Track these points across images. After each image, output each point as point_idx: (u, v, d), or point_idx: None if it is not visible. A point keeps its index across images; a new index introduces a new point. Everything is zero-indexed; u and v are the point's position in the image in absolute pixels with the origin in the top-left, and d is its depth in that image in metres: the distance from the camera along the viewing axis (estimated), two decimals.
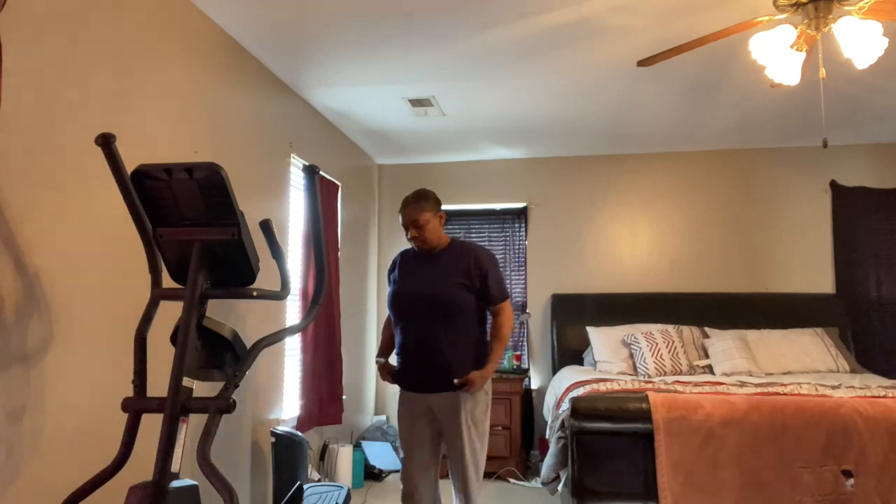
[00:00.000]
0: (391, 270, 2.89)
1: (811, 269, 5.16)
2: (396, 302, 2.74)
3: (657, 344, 4.49)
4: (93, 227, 2.28)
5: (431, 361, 2.64)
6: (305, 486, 2.93)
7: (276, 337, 1.95)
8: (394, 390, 5.60)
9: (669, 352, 4.46)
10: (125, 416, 2.36)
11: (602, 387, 3.44)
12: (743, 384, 3.55)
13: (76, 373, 2.18)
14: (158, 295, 1.89)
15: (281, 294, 2.06)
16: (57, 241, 2.11)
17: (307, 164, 2.11)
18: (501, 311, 2.74)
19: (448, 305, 2.64)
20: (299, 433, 3.49)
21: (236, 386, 1.81)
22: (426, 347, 2.65)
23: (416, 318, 2.68)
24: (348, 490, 2.87)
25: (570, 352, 5.10)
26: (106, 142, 1.75)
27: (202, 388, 2.86)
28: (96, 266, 2.29)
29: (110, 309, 2.35)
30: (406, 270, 2.80)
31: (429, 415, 2.70)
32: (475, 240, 5.61)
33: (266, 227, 2.01)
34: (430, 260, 2.77)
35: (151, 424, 2.55)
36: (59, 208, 2.13)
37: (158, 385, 2.56)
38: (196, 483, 1.85)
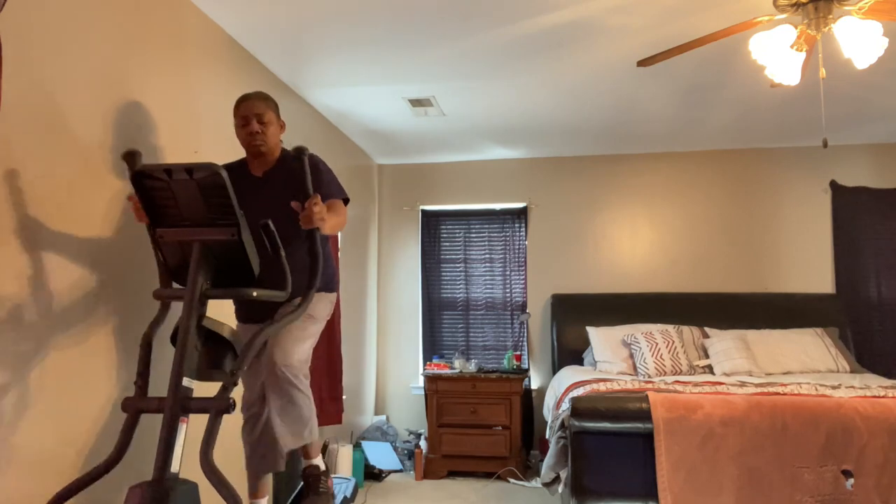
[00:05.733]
0: None
1: (811, 269, 5.16)
2: None
3: (657, 344, 4.49)
4: (92, 227, 2.28)
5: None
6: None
7: (274, 328, 1.95)
8: (394, 390, 5.60)
9: (669, 352, 4.46)
10: (124, 416, 2.36)
11: (602, 387, 3.44)
12: (743, 384, 3.55)
13: (76, 373, 2.18)
14: (158, 295, 1.89)
15: (281, 295, 2.06)
16: (56, 241, 2.11)
17: (295, 147, 2.15)
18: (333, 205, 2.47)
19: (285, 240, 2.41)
20: None
21: (235, 384, 1.81)
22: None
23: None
24: (356, 483, 2.88)
25: (570, 352, 5.10)
26: (131, 158, 1.79)
27: (202, 389, 2.86)
28: (96, 266, 2.29)
29: (112, 308, 2.35)
30: (239, 194, 2.44)
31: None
32: (475, 240, 5.61)
33: (266, 228, 2.01)
34: (262, 186, 2.53)
35: (152, 424, 2.55)
36: (60, 208, 2.13)
37: (158, 386, 2.56)
38: (196, 483, 1.85)
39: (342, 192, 2.61)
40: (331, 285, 2.75)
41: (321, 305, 2.65)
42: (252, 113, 2.53)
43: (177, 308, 2.70)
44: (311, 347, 2.60)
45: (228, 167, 2.66)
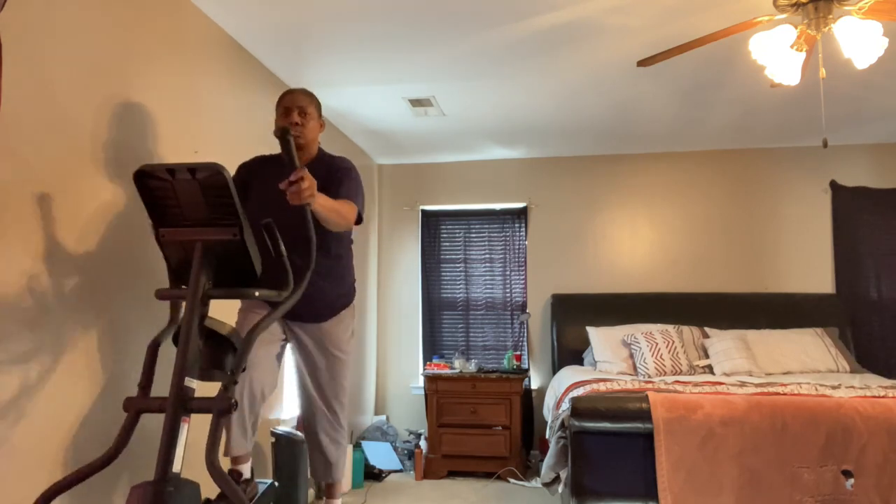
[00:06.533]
0: (243, 173, 2.68)
1: (811, 269, 5.17)
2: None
3: (657, 344, 4.50)
4: (92, 227, 2.28)
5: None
6: None
7: (271, 318, 1.93)
8: (394, 390, 5.60)
9: (669, 352, 4.46)
10: (121, 415, 2.37)
11: (602, 387, 3.45)
12: (743, 384, 3.55)
13: (76, 373, 2.18)
14: (161, 295, 1.89)
15: (283, 294, 2.06)
16: (56, 241, 2.11)
17: (277, 126, 2.12)
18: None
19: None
20: (299, 433, 3.49)
21: (235, 382, 1.80)
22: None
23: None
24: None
25: (570, 352, 5.10)
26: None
27: (203, 388, 2.86)
28: (97, 265, 2.29)
29: (112, 307, 2.35)
30: (268, 186, 2.56)
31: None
32: (475, 240, 5.61)
33: (268, 228, 2.01)
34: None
35: (153, 424, 2.55)
36: (60, 208, 2.13)
37: (159, 385, 2.56)
38: (198, 483, 1.86)
39: (357, 203, 2.56)
40: (350, 294, 2.81)
41: (346, 324, 2.77)
42: (294, 105, 2.55)
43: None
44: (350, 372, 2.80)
45: (264, 159, 2.69)
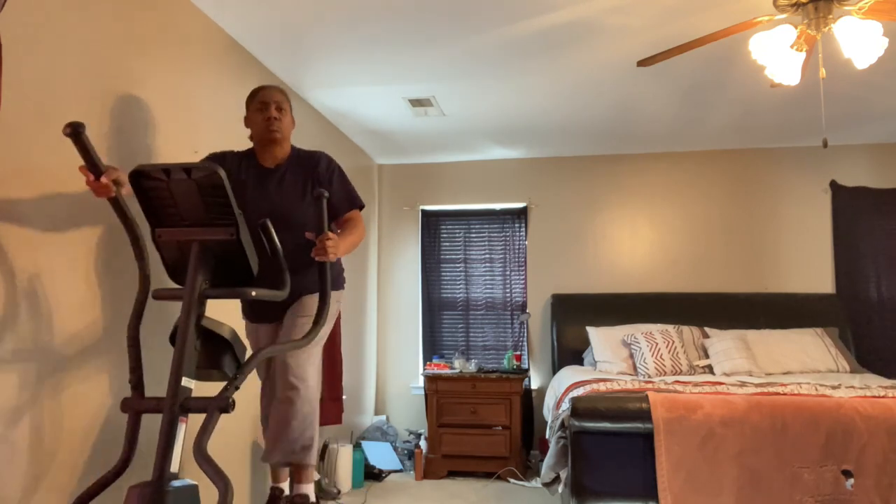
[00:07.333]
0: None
1: (811, 269, 5.16)
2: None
3: (657, 344, 4.49)
4: (92, 226, 2.28)
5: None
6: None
7: (276, 349, 1.98)
8: (394, 390, 5.60)
9: (669, 352, 4.46)
10: (122, 415, 2.36)
11: (602, 387, 3.44)
12: (743, 384, 3.55)
13: (77, 373, 2.18)
14: (158, 295, 1.89)
15: (280, 294, 2.06)
16: (56, 240, 2.11)
17: (318, 190, 2.22)
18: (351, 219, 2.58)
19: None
20: None
21: (237, 388, 1.81)
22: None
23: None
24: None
25: (570, 352, 5.10)
26: (75, 131, 1.75)
27: (201, 388, 2.86)
28: (96, 265, 2.29)
29: (110, 307, 2.35)
30: (243, 183, 2.56)
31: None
32: (475, 240, 5.61)
33: (264, 228, 2.01)
34: (273, 177, 2.57)
35: (151, 425, 2.55)
36: (60, 207, 2.13)
37: (157, 386, 2.56)
38: (196, 483, 1.86)
39: (357, 201, 2.65)
40: (338, 283, 2.74)
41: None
42: (272, 100, 2.57)
43: (176, 307, 2.70)
44: (321, 351, 2.65)
45: (236, 155, 2.67)
